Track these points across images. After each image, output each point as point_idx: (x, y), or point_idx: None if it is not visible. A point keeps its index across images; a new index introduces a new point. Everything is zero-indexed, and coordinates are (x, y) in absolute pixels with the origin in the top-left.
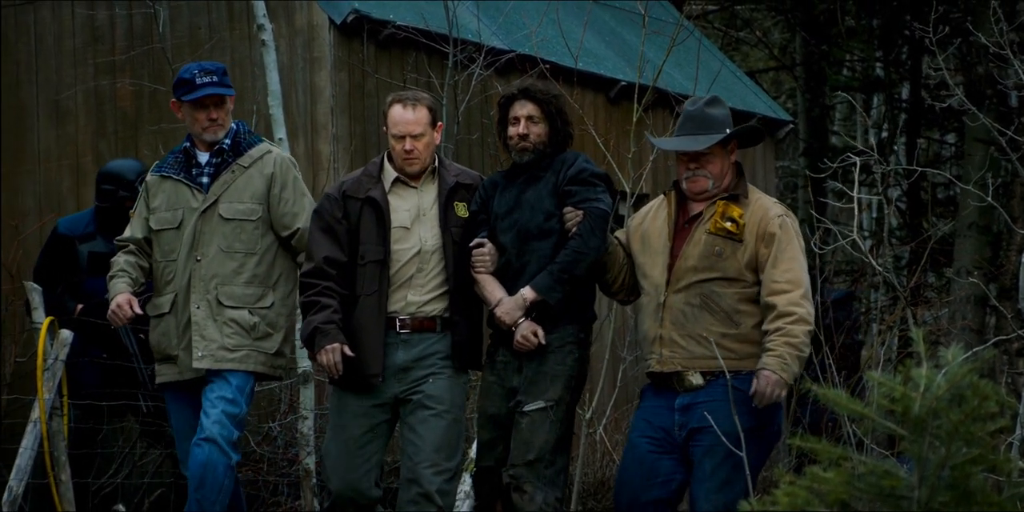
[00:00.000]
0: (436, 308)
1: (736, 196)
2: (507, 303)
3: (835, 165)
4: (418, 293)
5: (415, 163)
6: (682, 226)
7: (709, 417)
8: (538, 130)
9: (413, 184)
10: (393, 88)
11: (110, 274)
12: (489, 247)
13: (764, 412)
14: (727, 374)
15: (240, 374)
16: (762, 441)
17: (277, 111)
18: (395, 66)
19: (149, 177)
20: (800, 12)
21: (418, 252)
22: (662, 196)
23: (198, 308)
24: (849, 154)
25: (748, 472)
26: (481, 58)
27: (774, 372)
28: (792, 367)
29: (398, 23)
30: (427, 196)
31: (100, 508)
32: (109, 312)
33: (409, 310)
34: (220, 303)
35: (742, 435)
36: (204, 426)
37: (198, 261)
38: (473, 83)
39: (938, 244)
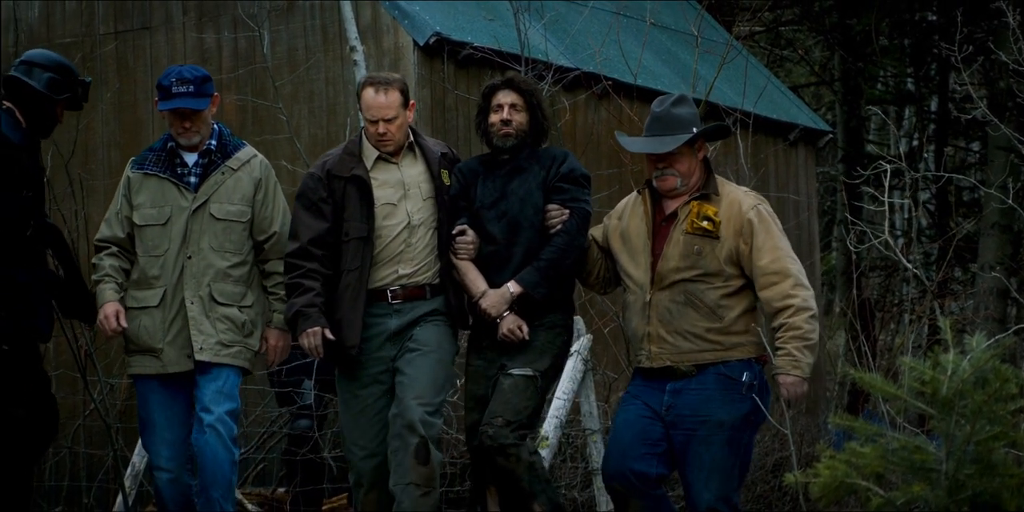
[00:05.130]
0: (425, 277)
1: (707, 195)
2: (492, 296)
3: (868, 172)
4: (408, 266)
5: (388, 144)
6: (660, 224)
7: (703, 406)
8: (520, 118)
9: (394, 160)
10: (471, 103)
11: (95, 278)
12: (472, 234)
13: (753, 397)
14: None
15: (230, 370)
16: (753, 426)
17: None
18: (472, 83)
19: (131, 174)
20: (838, 33)
21: (406, 226)
22: (636, 193)
23: (192, 304)
24: (881, 162)
25: (742, 461)
26: (550, 75)
27: (788, 373)
28: (804, 359)
29: (475, 44)
30: (409, 170)
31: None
32: (98, 320)
33: (400, 282)
34: (213, 299)
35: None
36: (207, 421)
37: (189, 258)
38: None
39: (963, 242)
